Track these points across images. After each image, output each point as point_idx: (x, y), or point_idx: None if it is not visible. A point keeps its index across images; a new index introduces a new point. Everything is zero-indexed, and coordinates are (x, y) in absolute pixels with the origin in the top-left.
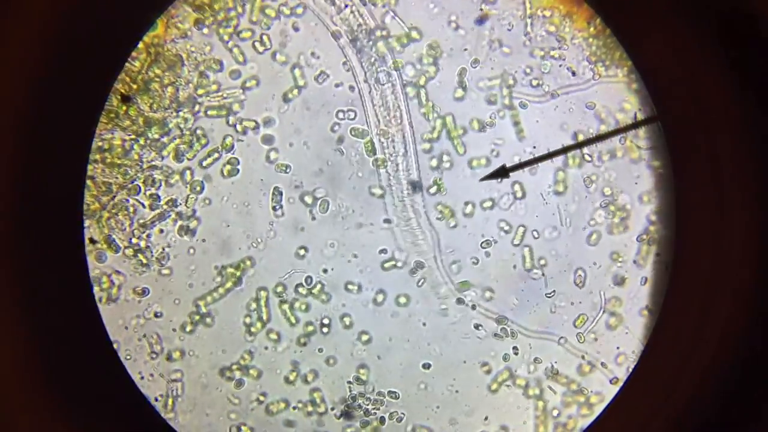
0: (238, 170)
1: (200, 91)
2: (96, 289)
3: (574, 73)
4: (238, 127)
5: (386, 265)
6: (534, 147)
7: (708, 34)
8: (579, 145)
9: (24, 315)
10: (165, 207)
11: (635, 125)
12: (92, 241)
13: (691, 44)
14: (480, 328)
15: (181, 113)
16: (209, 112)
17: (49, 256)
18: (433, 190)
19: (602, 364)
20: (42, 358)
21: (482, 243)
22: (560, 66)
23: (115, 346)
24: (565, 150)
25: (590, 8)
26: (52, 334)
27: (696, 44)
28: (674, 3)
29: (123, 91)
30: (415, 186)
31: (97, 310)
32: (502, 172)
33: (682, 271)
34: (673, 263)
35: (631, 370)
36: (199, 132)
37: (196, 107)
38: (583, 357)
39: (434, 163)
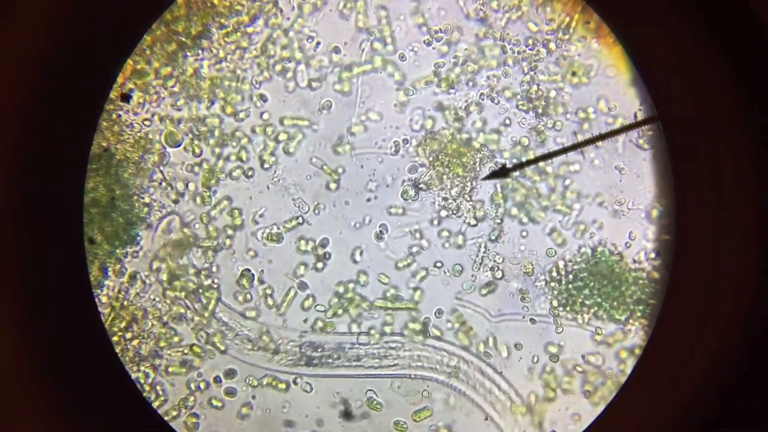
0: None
1: (162, 344)
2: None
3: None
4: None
5: None
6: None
7: (708, 33)
8: (579, 145)
9: (23, 315)
10: None
11: (635, 125)
12: (92, 241)
13: (691, 44)
14: None
15: (142, 367)
16: (170, 369)
17: (49, 257)
18: None
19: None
20: (41, 359)
21: None
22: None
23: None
24: (565, 150)
25: (592, 10)
26: (52, 335)
27: (696, 44)
28: (674, 3)
29: (123, 90)
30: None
31: (97, 310)
32: (502, 172)
33: (682, 271)
34: (673, 263)
35: (631, 370)
36: (158, 387)
37: (158, 361)
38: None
39: None
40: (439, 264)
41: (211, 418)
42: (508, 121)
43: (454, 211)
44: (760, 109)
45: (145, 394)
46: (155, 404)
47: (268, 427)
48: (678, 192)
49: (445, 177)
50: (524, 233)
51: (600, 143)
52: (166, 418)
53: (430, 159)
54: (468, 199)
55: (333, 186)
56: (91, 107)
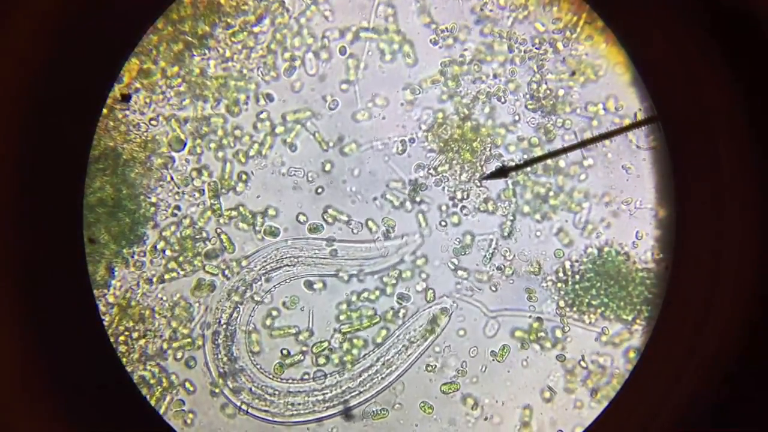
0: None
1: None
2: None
3: None
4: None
5: None
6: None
7: (709, 33)
8: (580, 145)
9: (23, 315)
10: None
11: (635, 125)
12: (92, 240)
13: (691, 44)
14: None
15: (149, 365)
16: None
17: (49, 257)
18: None
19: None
20: (41, 359)
21: None
22: None
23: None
24: (565, 150)
25: (591, 9)
26: (52, 335)
27: (696, 44)
28: (675, 2)
29: (123, 91)
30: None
31: (97, 310)
32: (500, 173)
33: (682, 271)
34: (673, 263)
35: (631, 369)
36: (163, 378)
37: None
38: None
39: None
40: (443, 223)
41: (211, 417)
42: (517, 117)
43: (463, 203)
44: (760, 109)
45: (144, 390)
46: (155, 396)
47: (265, 426)
48: (678, 192)
49: (455, 162)
50: (536, 227)
51: (599, 143)
52: (166, 417)
53: (441, 145)
54: (478, 184)
55: (328, 167)
56: (92, 107)
